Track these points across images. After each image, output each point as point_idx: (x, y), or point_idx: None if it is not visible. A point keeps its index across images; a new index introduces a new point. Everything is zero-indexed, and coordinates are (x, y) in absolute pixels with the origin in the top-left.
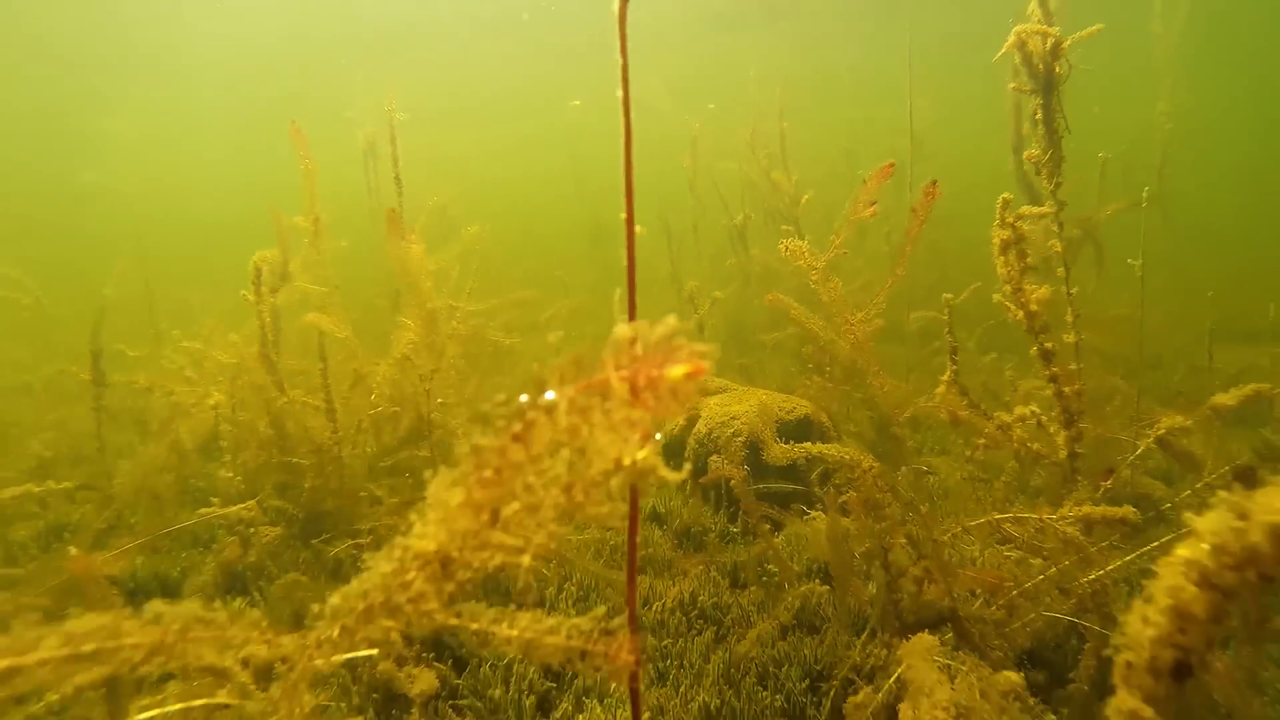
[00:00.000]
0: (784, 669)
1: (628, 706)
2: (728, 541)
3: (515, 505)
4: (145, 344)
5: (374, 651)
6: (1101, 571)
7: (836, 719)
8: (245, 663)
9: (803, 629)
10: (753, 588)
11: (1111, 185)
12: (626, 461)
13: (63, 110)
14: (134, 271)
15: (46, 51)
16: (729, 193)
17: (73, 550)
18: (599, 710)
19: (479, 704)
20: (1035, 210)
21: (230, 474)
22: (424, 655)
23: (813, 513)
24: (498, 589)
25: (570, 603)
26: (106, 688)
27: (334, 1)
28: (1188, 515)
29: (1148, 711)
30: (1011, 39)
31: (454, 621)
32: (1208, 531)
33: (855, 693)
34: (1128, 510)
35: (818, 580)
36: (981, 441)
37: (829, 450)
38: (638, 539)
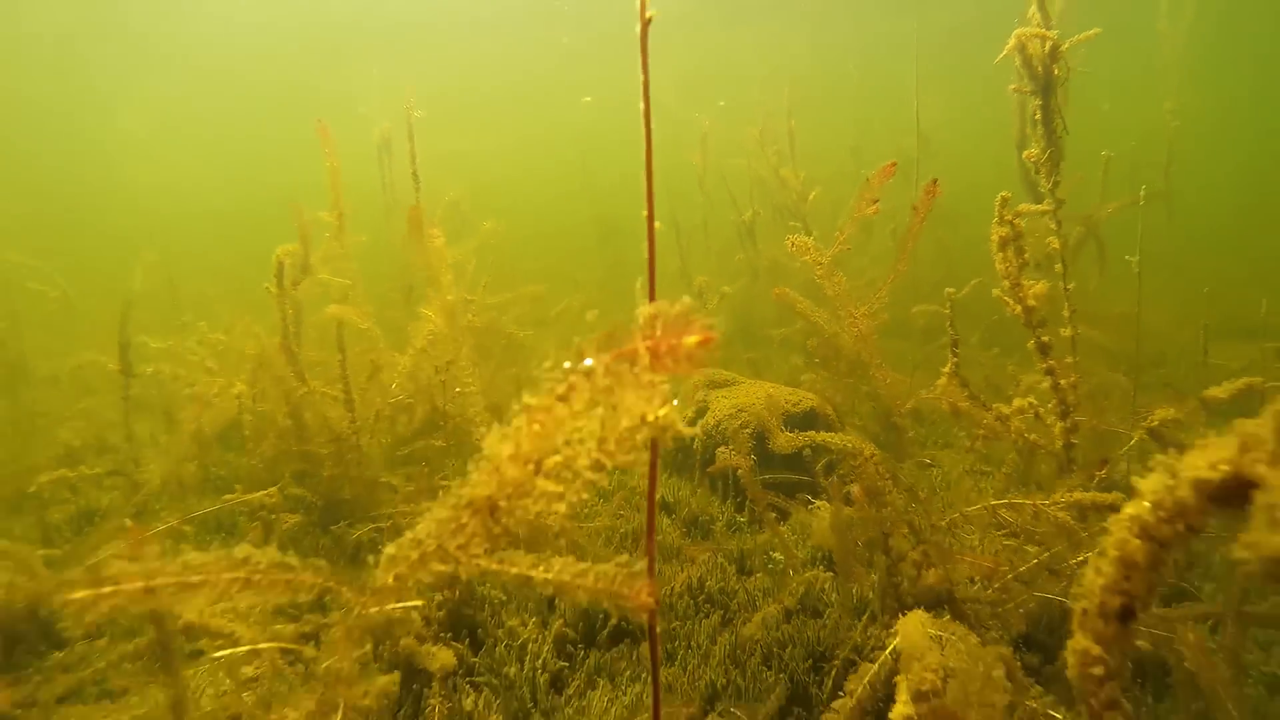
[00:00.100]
0: (788, 650)
1: (637, 684)
2: (734, 530)
3: (557, 457)
4: (168, 336)
5: (419, 604)
6: (1090, 554)
7: (838, 696)
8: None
9: (807, 613)
10: (758, 574)
11: (1119, 183)
12: (650, 418)
13: (80, 107)
14: (156, 265)
15: (62, 48)
16: (738, 189)
17: (128, 522)
18: (609, 688)
19: (495, 680)
20: (1033, 208)
21: (253, 461)
22: (442, 635)
23: (817, 502)
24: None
25: None
26: (160, 645)
27: None
28: (1134, 479)
29: (1096, 650)
30: (1012, 42)
31: (497, 566)
32: (1148, 490)
33: (856, 671)
34: (1116, 496)
35: (822, 567)
36: (981, 432)
37: (832, 439)
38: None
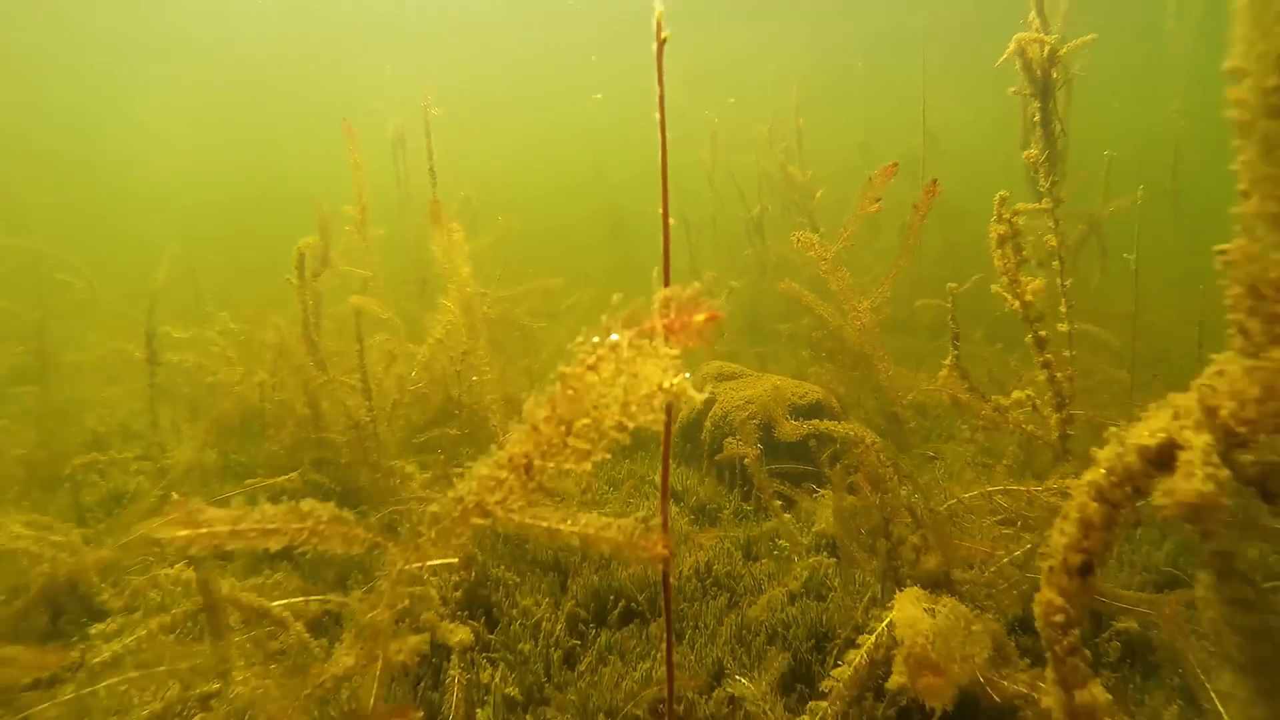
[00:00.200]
0: (792, 630)
1: (647, 662)
2: (741, 518)
3: (585, 419)
4: (190, 326)
5: (455, 560)
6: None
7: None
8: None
9: (810, 596)
10: (764, 560)
11: (1126, 182)
12: (666, 385)
13: (102, 101)
14: (178, 257)
15: (85, 44)
16: (746, 186)
17: (175, 495)
18: (620, 665)
19: (510, 656)
20: (1031, 206)
21: (273, 448)
22: (459, 614)
23: (822, 491)
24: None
25: (593, 569)
26: (208, 609)
27: None
28: (1093, 450)
29: (1060, 601)
30: (1012, 46)
31: (530, 520)
32: (1103, 459)
33: (856, 647)
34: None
35: (826, 553)
36: (980, 423)
37: (834, 427)
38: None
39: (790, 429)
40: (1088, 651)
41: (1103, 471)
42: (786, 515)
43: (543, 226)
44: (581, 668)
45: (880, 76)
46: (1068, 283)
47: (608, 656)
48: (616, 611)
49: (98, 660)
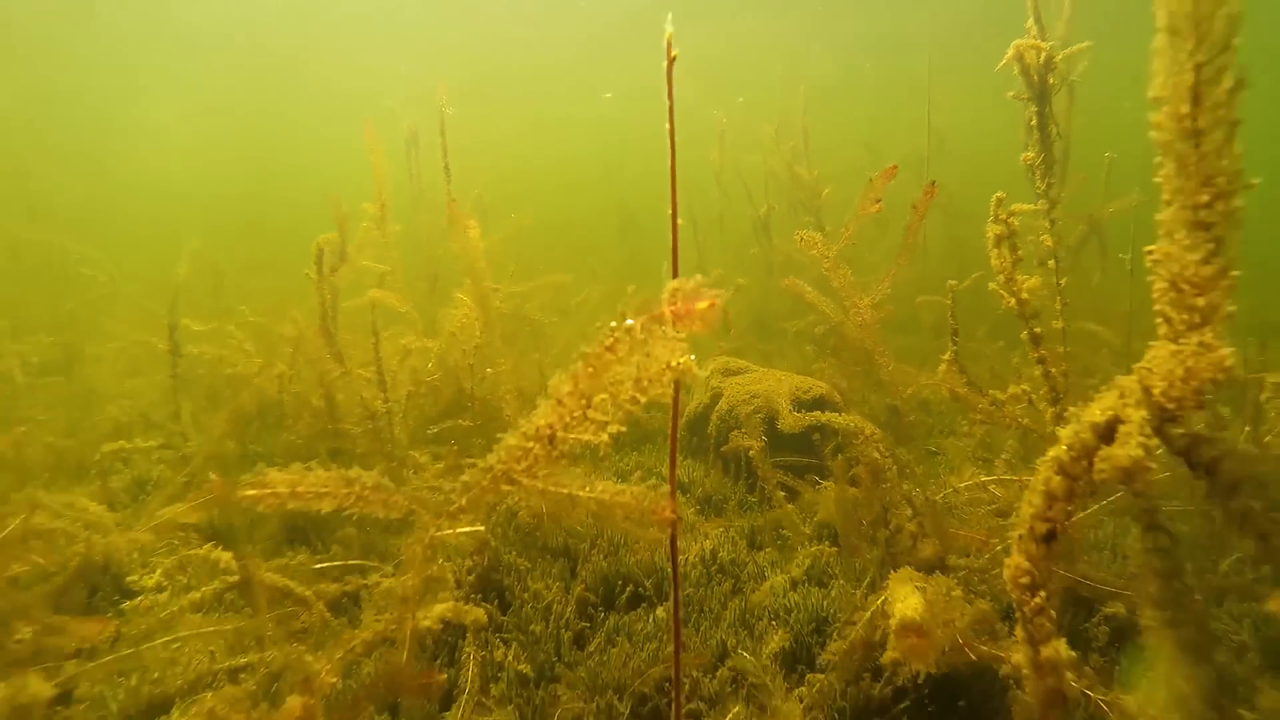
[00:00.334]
0: (793, 615)
1: (653, 643)
2: (746, 509)
3: (603, 395)
4: (210, 319)
5: (481, 528)
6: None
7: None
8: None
9: (812, 583)
10: (768, 549)
11: (1132, 183)
12: (673, 363)
13: (118, 99)
14: (198, 252)
15: (103, 41)
16: (753, 185)
17: (213, 476)
18: (628, 645)
19: (522, 637)
20: (1027, 207)
21: (291, 437)
22: (472, 597)
23: (825, 483)
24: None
25: (602, 555)
26: (244, 581)
27: None
28: (1058, 429)
29: (1027, 565)
30: (1010, 52)
31: (552, 487)
32: (1064, 437)
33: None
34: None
35: (828, 543)
36: (978, 417)
37: (835, 418)
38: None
39: (793, 420)
40: (1053, 612)
41: (1064, 448)
42: (790, 506)
43: (552, 223)
44: (591, 648)
45: (887, 76)
46: (1063, 281)
47: (616, 638)
48: (624, 596)
49: (132, 634)
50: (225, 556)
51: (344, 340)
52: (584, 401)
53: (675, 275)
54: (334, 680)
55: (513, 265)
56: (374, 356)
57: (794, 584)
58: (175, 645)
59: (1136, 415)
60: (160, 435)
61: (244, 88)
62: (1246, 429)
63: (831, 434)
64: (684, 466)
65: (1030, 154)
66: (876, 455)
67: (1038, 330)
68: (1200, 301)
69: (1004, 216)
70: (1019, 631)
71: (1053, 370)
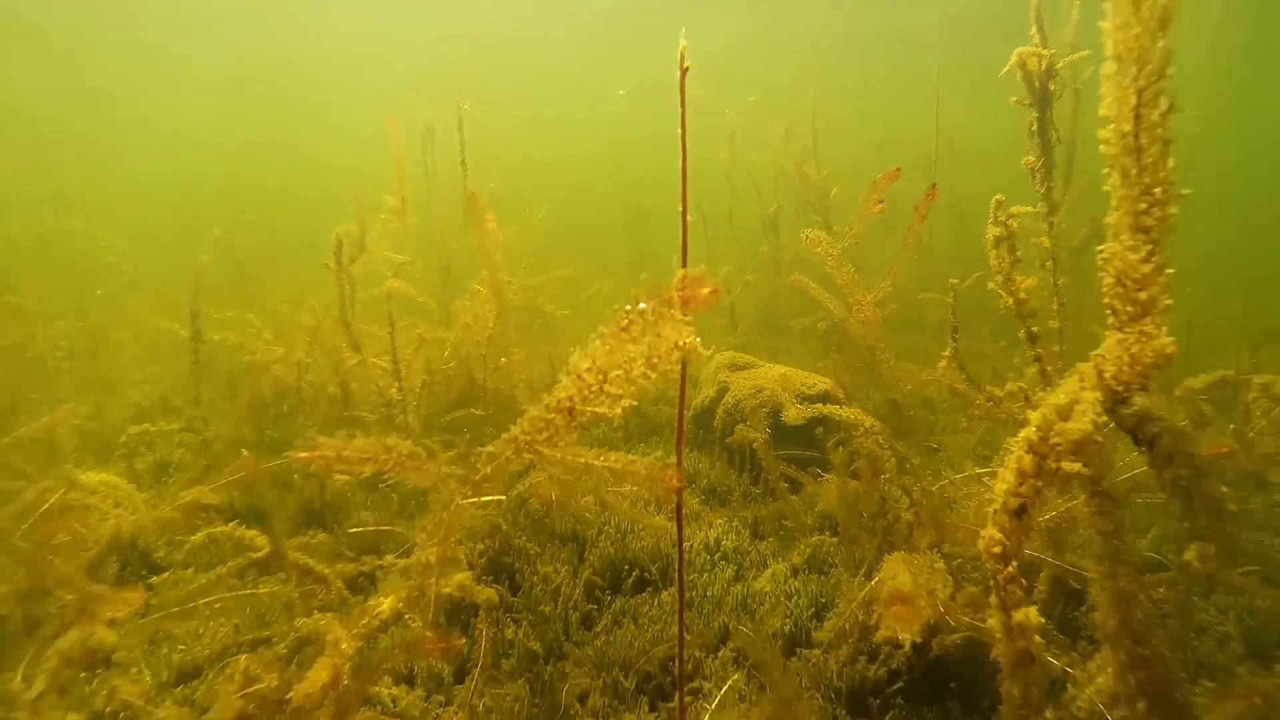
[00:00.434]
0: (793, 600)
1: (657, 625)
2: (750, 500)
3: (618, 371)
4: (229, 307)
5: (502, 497)
6: (1055, 512)
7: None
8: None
9: (812, 571)
10: (770, 538)
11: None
12: (681, 342)
13: (147, 92)
14: (220, 241)
15: (130, 33)
16: (763, 184)
17: (245, 452)
18: (633, 628)
19: (531, 616)
20: (1026, 209)
21: (308, 424)
22: (484, 579)
23: (827, 475)
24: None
25: (609, 541)
26: (275, 552)
27: None
28: (1029, 412)
29: (999, 536)
30: (1014, 59)
31: (570, 457)
32: (1034, 419)
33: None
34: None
35: (828, 533)
36: (977, 412)
37: (836, 411)
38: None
39: (796, 413)
40: (1023, 580)
41: (1034, 429)
42: (793, 497)
43: (563, 218)
44: (598, 629)
45: (898, 76)
46: (1060, 282)
47: (622, 620)
48: (630, 580)
49: (166, 603)
50: (250, 533)
51: (360, 330)
52: (601, 376)
53: (685, 263)
54: (359, 644)
55: (526, 259)
56: (389, 346)
57: (795, 571)
58: (204, 616)
59: (1090, 397)
60: (180, 420)
61: (259, 82)
62: (1232, 426)
63: (835, 428)
64: (690, 458)
65: (1031, 158)
66: (875, 447)
67: (1035, 329)
68: (1142, 295)
69: (1003, 219)
70: (993, 598)
71: (1049, 369)
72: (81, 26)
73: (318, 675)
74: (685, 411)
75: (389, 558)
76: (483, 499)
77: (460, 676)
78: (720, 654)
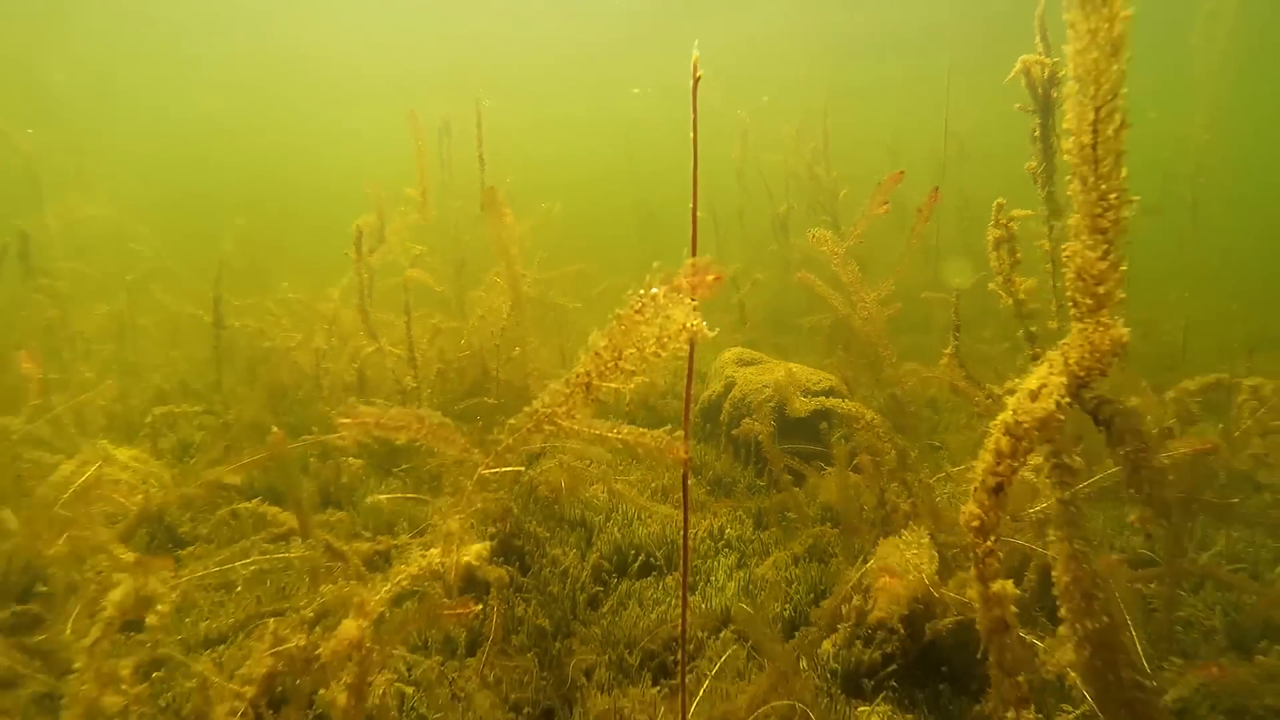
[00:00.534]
0: (793, 587)
1: (662, 606)
2: (754, 492)
3: (631, 350)
4: (249, 295)
5: (521, 468)
6: (1045, 504)
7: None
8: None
9: (812, 559)
10: (773, 528)
11: (1151, 192)
12: (688, 325)
13: (177, 90)
14: (243, 230)
15: (161, 32)
16: (774, 184)
17: (274, 429)
18: (638, 609)
19: (540, 596)
20: (1026, 213)
21: (326, 408)
22: (494, 560)
23: (830, 469)
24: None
25: (616, 527)
26: (300, 524)
27: None
28: (1006, 398)
29: (978, 511)
30: (1018, 66)
31: (585, 429)
32: (1010, 403)
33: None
34: (1074, 459)
35: (829, 524)
36: (976, 409)
37: (838, 404)
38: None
39: (800, 405)
40: (999, 553)
41: (1010, 413)
42: (796, 489)
43: (575, 216)
44: (604, 609)
45: (910, 77)
46: (1060, 284)
47: (628, 601)
48: (636, 564)
49: (192, 575)
50: (273, 510)
51: (376, 319)
52: (616, 354)
53: (694, 253)
54: (383, 609)
55: (541, 253)
56: (405, 335)
57: (796, 559)
58: (231, 585)
59: (1056, 381)
60: (201, 403)
61: (277, 78)
62: (1220, 426)
63: (839, 423)
64: (697, 450)
65: (1033, 163)
66: (875, 440)
67: (1034, 330)
68: (1099, 289)
69: (1003, 221)
70: (972, 570)
71: None
72: (110, 26)
73: (346, 633)
74: (693, 405)
75: (403, 537)
76: (503, 469)
77: (472, 650)
78: (722, 635)
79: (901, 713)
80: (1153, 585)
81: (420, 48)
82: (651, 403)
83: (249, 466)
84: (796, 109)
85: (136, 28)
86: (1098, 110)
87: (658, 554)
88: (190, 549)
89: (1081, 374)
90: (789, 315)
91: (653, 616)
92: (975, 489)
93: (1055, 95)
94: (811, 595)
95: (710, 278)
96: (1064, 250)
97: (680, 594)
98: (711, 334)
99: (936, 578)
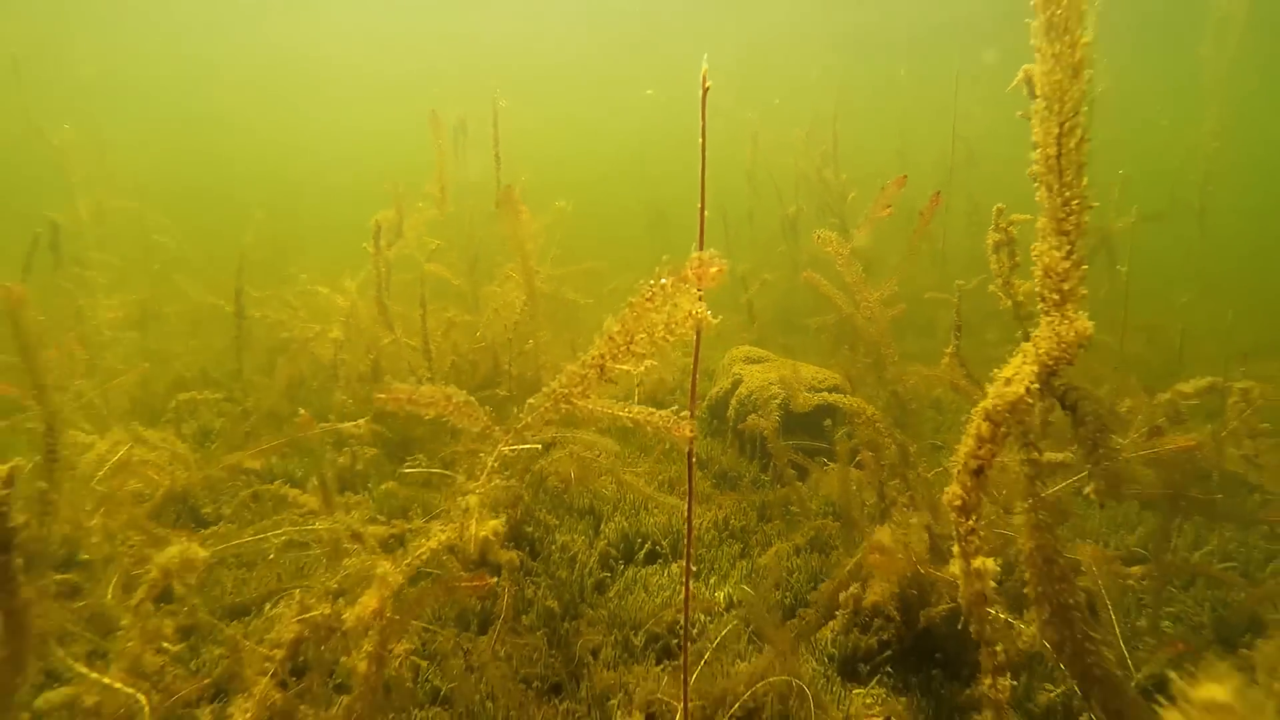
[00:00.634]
0: (794, 576)
1: (667, 592)
2: (759, 486)
3: (642, 336)
4: (269, 287)
5: (537, 446)
6: (1035, 498)
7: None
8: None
9: (814, 550)
10: (776, 521)
11: (1160, 198)
12: (694, 312)
13: (177, 85)
14: (263, 224)
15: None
16: (783, 186)
17: (301, 411)
18: (644, 594)
19: (549, 580)
20: (1026, 217)
21: (344, 398)
22: (506, 545)
23: (833, 465)
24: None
25: (624, 516)
26: (323, 501)
27: None
28: (988, 387)
29: (960, 492)
30: (1020, 75)
31: (597, 407)
32: (990, 391)
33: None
34: (1066, 455)
35: (831, 518)
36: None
37: (842, 400)
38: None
39: (804, 400)
40: (981, 531)
41: (990, 399)
42: (799, 484)
43: (586, 215)
44: (611, 593)
45: (922, 79)
46: None
47: (634, 586)
48: (643, 552)
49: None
50: (294, 492)
51: (391, 311)
52: (628, 338)
53: (701, 247)
54: (403, 580)
55: (554, 250)
56: (420, 328)
57: (797, 550)
58: (253, 563)
59: (1027, 369)
60: (221, 390)
61: (290, 75)
62: (1209, 426)
63: (843, 420)
64: (703, 445)
65: (1035, 169)
66: (876, 435)
67: (1032, 331)
68: (1064, 286)
69: (1003, 225)
70: (955, 548)
71: None
72: (133, 22)
73: (368, 601)
74: (701, 402)
75: (417, 522)
76: (522, 447)
77: (484, 628)
78: (724, 619)
79: (895, 696)
80: (1144, 581)
81: (433, 47)
82: (660, 398)
83: (268, 451)
84: (807, 112)
85: (147, 23)
86: (1061, 125)
87: (663, 542)
88: (213, 528)
89: (1050, 363)
90: (797, 315)
91: (658, 600)
92: (958, 471)
93: None
94: (811, 584)
95: (713, 270)
96: (1032, 251)
97: (684, 580)
98: (715, 320)
99: (926, 556)
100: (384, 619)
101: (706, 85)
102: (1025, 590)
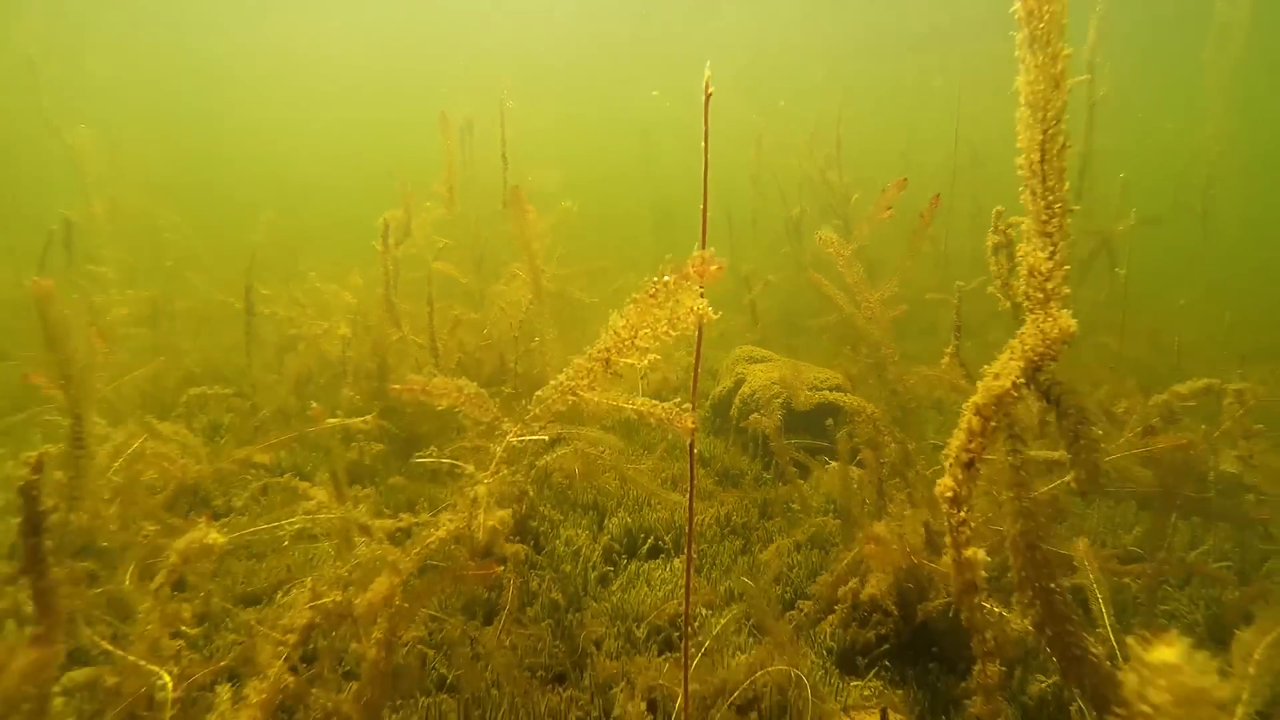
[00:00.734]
0: (794, 571)
1: (669, 585)
2: (760, 484)
3: (645, 330)
4: (278, 284)
5: (545, 437)
6: (1019, 486)
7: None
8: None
9: (814, 547)
10: (777, 518)
11: (1161, 202)
12: (695, 308)
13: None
14: (273, 223)
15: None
16: (787, 187)
17: (314, 404)
18: (646, 590)
19: (554, 573)
20: (1023, 219)
21: (352, 394)
22: (511, 539)
23: (834, 464)
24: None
25: (627, 512)
26: (335, 487)
27: None
28: (979, 382)
29: (952, 484)
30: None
31: (601, 399)
32: (980, 387)
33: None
34: (1062, 454)
35: (832, 516)
36: None
37: (843, 398)
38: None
39: (805, 398)
40: (971, 522)
41: (979, 395)
42: (801, 482)
43: (591, 215)
44: (614, 587)
45: (928, 79)
46: None
47: (636, 580)
48: (646, 546)
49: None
50: (304, 485)
51: (398, 309)
52: (633, 332)
53: (704, 245)
54: (413, 567)
55: (560, 249)
56: (427, 325)
57: (797, 546)
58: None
59: (1013, 365)
60: (230, 386)
61: (300, 75)
62: (1203, 427)
63: (844, 419)
64: (706, 443)
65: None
66: (875, 433)
67: None
68: (1048, 285)
69: (1002, 227)
70: (948, 538)
71: None
72: (143, 22)
73: (379, 588)
74: (704, 401)
75: (424, 515)
76: (530, 437)
77: (489, 619)
78: (725, 612)
79: (892, 688)
80: (1139, 580)
81: (440, 47)
82: (664, 397)
83: (277, 446)
84: (812, 113)
85: (157, 23)
86: (1045, 133)
87: (666, 538)
88: (225, 520)
89: (1035, 359)
90: (800, 316)
91: (660, 594)
92: (950, 464)
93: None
94: (811, 579)
95: (713, 267)
96: (1017, 252)
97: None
98: (716, 316)
99: (922, 549)
100: (394, 606)
101: (709, 92)
102: (1010, 574)
